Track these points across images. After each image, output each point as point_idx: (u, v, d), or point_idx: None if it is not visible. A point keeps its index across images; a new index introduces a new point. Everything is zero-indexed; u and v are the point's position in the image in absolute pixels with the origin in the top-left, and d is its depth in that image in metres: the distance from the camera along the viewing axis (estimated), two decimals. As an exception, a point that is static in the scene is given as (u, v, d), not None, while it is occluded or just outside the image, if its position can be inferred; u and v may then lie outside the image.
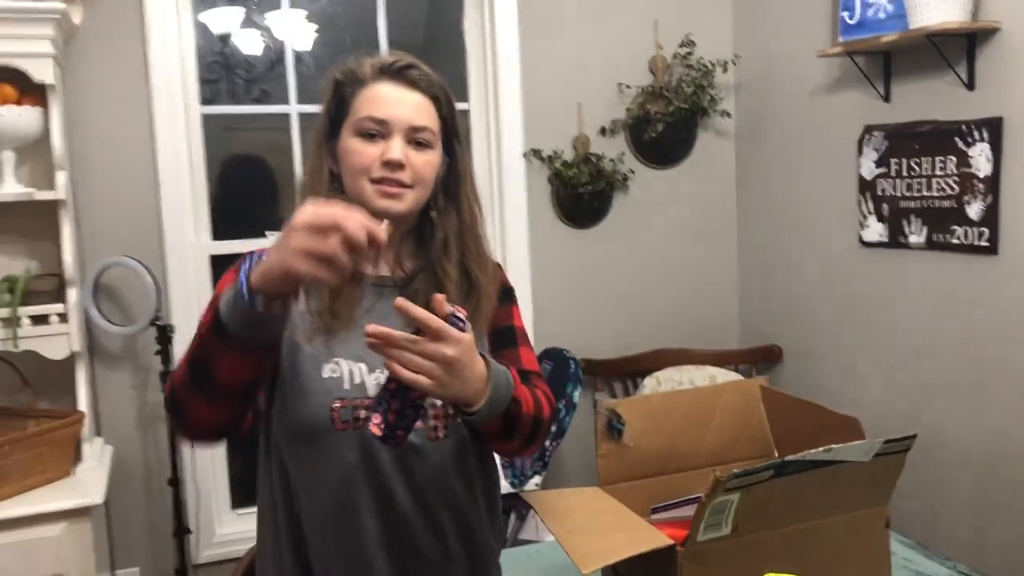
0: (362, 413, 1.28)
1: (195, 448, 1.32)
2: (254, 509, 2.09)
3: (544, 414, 1.39)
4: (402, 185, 1.30)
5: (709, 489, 1.21)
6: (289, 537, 1.35)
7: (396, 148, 1.29)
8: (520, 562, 1.59)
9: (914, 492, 2.61)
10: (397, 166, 1.29)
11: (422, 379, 1.11)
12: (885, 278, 2.73)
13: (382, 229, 1.06)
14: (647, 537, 1.33)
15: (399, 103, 1.32)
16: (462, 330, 1.13)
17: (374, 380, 1.30)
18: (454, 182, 1.39)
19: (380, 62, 1.35)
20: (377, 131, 1.31)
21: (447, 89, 1.38)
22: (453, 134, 1.39)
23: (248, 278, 1.08)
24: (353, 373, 1.30)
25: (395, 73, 1.33)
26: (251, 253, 1.13)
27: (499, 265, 1.52)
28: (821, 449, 1.26)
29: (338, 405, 1.28)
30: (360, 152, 1.30)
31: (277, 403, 1.32)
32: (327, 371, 1.29)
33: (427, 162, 1.33)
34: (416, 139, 1.32)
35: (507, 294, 1.51)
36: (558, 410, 2.84)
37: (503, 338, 1.48)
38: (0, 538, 2.10)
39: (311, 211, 1.04)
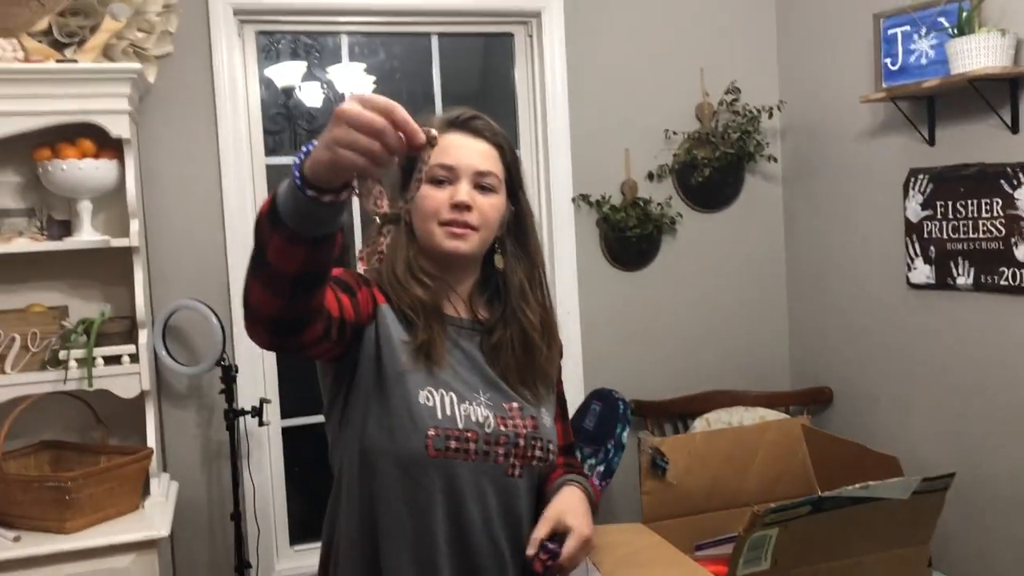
0: (452, 444, 1.34)
1: (259, 345, 1.25)
2: (312, 545, 2.17)
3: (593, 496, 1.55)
4: (468, 226, 1.39)
5: (747, 523, 1.26)
6: (363, 552, 1.39)
7: (463, 191, 1.38)
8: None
9: (963, 534, 2.58)
10: (464, 207, 1.38)
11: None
12: (934, 320, 2.74)
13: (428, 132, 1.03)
14: (689, 572, 1.38)
15: (465, 149, 1.41)
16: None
17: (463, 412, 1.37)
18: (522, 231, 1.48)
19: (447, 116, 1.44)
20: (446, 177, 1.39)
21: (509, 140, 1.48)
22: (517, 184, 1.47)
23: (301, 166, 1.03)
24: (445, 403, 1.36)
25: (461, 124, 1.43)
26: (309, 142, 1.06)
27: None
28: (858, 485, 1.30)
29: (432, 434, 1.34)
30: (430, 197, 1.39)
31: (371, 423, 1.37)
32: (422, 398, 1.35)
33: (492, 205, 1.41)
34: (482, 183, 1.40)
35: (560, 352, 1.60)
36: (599, 459, 2.88)
37: (563, 406, 1.61)
38: (75, 567, 2.20)
39: (356, 106, 1.00)
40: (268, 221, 1.06)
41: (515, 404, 1.43)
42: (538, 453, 1.42)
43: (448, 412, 1.36)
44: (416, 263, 1.42)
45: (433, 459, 1.34)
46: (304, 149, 1.05)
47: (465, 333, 1.45)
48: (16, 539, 2.22)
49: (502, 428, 1.39)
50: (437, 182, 1.39)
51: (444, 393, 1.36)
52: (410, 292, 1.39)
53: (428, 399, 1.35)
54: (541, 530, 1.35)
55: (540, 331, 1.46)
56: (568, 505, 1.39)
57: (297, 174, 1.02)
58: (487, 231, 1.42)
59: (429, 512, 1.36)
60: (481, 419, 1.37)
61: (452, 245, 1.39)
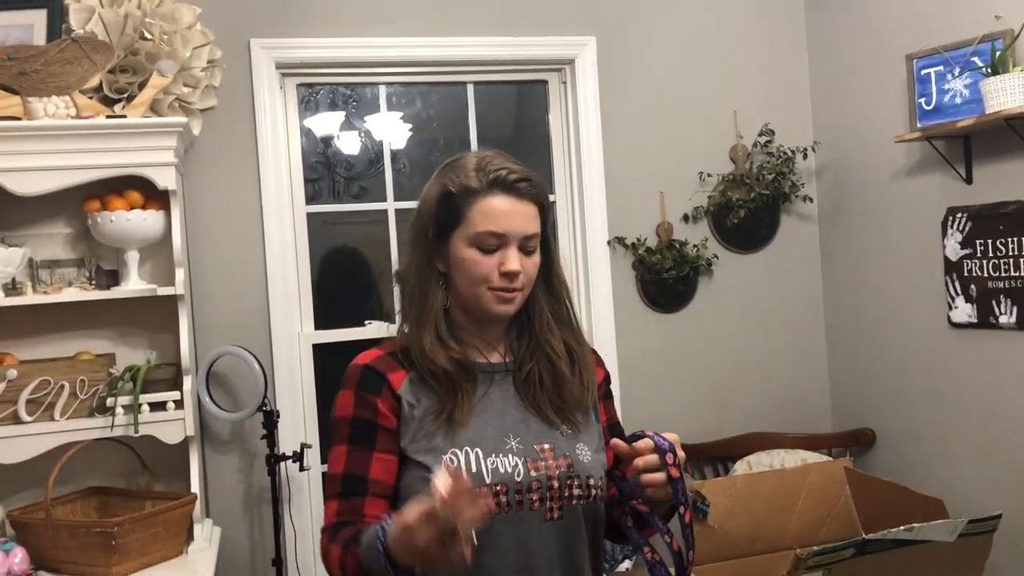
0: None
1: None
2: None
3: None
4: (517, 291, 1.42)
5: (790, 567, 1.25)
6: None
7: (514, 259, 1.40)
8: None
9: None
10: (516, 276, 1.40)
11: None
12: (976, 359, 2.70)
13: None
14: (733, 616, 1.36)
15: (514, 216, 1.41)
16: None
17: (490, 466, 1.37)
18: (548, 269, 1.49)
19: (492, 173, 1.42)
20: (496, 245, 1.40)
21: (545, 190, 1.48)
22: (550, 230, 1.49)
23: (386, 551, 1.23)
24: (470, 461, 1.36)
25: (510, 186, 1.42)
26: (380, 534, 1.24)
27: (597, 353, 1.61)
28: (903, 528, 1.29)
29: None
30: (481, 263, 1.40)
31: (402, 492, 1.39)
32: (444, 463, 1.34)
33: (535, 264, 1.44)
34: (526, 246, 1.43)
35: (608, 382, 1.61)
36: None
37: (616, 434, 1.58)
38: (120, 612, 2.23)
39: (425, 526, 1.16)
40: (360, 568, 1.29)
41: (547, 445, 1.42)
42: (576, 491, 1.41)
43: (474, 470, 1.36)
44: (444, 325, 1.44)
45: None
46: (381, 539, 1.23)
47: (498, 377, 1.47)
48: (64, 584, 2.26)
49: (533, 473, 1.38)
50: (486, 248, 1.40)
51: (469, 451, 1.37)
52: (436, 363, 1.40)
53: (452, 462, 1.35)
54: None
55: (567, 359, 1.47)
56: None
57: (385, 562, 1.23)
58: (529, 287, 1.45)
59: (476, 569, 1.32)
60: (510, 468, 1.37)
61: (503, 310, 1.42)
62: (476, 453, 1.37)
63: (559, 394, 1.46)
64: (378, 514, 1.39)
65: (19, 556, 2.31)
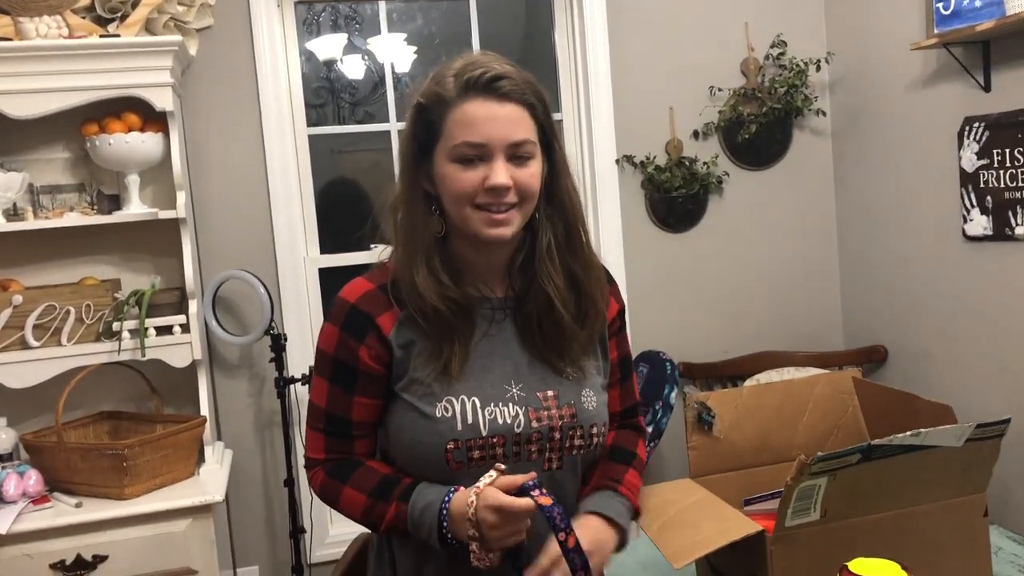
0: (476, 454, 1.27)
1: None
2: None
3: (641, 463, 1.51)
4: (509, 207, 1.25)
5: (794, 472, 1.23)
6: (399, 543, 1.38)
7: (500, 172, 1.23)
8: (617, 556, 1.62)
9: (1023, 488, 2.53)
10: (504, 190, 1.24)
11: None
12: (991, 272, 2.66)
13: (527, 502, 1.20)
14: (736, 526, 1.35)
15: (493, 121, 1.23)
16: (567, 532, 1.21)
17: (487, 416, 1.28)
18: (554, 181, 1.33)
19: (464, 75, 1.25)
20: (476, 155, 1.24)
21: (539, 89, 1.29)
22: (551, 135, 1.31)
23: (443, 540, 1.25)
24: (466, 410, 1.27)
25: (483, 87, 1.24)
26: (443, 510, 1.24)
27: (612, 278, 1.47)
28: (909, 433, 1.26)
29: (451, 447, 1.26)
30: (461, 179, 1.24)
31: (391, 431, 1.33)
32: (439, 410, 1.27)
33: (531, 175, 1.27)
34: (517, 154, 1.25)
35: (622, 315, 1.49)
36: (647, 420, 2.86)
37: (625, 369, 1.51)
38: (134, 532, 2.26)
39: (494, 522, 1.19)
40: (392, 530, 1.30)
41: (551, 392, 1.33)
42: (577, 442, 1.34)
43: (470, 421, 1.27)
44: (437, 258, 1.29)
45: (456, 472, 1.27)
46: (443, 514, 1.24)
47: (498, 314, 1.35)
48: (78, 505, 2.29)
49: (534, 424, 1.29)
50: (466, 161, 1.24)
51: (465, 399, 1.27)
52: (427, 302, 1.27)
53: (447, 410, 1.27)
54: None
55: (566, 297, 1.33)
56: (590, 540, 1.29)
57: (449, 537, 1.24)
58: (529, 204, 1.28)
59: None
60: (509, 419, 1.28)
61: (495, 233, 1.26)
62: (473, 402, 1.28)
63: (560, 337, 1.34)
64: (366, 451, 1.38)
65: (33, 478, 2.35)
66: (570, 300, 1.34)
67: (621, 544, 1.37)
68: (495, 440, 1.28)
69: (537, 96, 1.28)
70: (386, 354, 1.31)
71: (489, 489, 1.20)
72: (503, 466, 1.23)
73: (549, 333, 1.34)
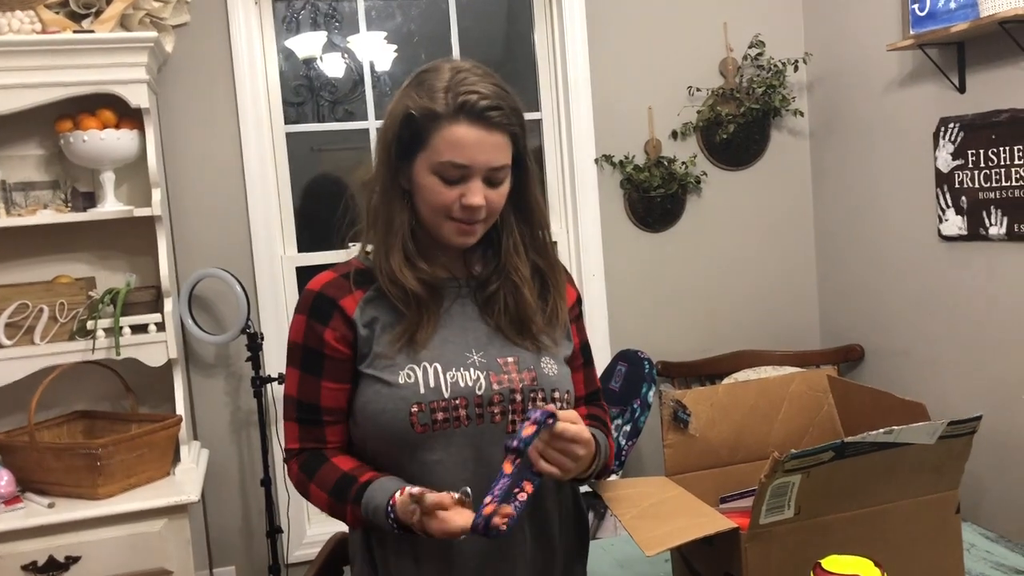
0: (439, 416, 1.32)
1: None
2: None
3: (611, 437, 1.54)
4: (478, 223, 1.35)
5: (768, 469, 1.23)
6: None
7: (476, 194, 1.32)
8: (594, 554, 1.63)
9: (998, 486, 2.55)
10: (478, 209, 1.33)
11: (554, 470, 1.26)
12: (966, 272, 2.68)
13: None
14: (710, 521, 1.35)
15: (480, 147, 1.31)
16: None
17: (449, 380, 1.33)
18: (521, 194, 1.41)
19: (460, 97, 1.30)
20: (459, 177, 1.32)
21: (521, 113, 1.37)
22: (524, 152, 1.39)
23: (397, 525, 1.28)
24: (428, 375, 1.33)
25: (477, 115, 1.30)
26: (389, 506, 1.29)
27: (568, 273, 1.55)
28: (882, 431, 1.27)
29: (416, 410, 1.32)
30: (442, 193, 1.32)
31: (357, 409, 1.38)
32: (402, 377, 1.33)
33: (501, 195, 1.36)
34: (493, 178, 1.34)
35: (579, 304, 1.56)
36: (626, 418, 2.87)
37: (587, 355, 1.57)
38: (108, 532, 2.24)
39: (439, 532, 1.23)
40: (355, 521, 1.36)
41: (511, 358, 1.39)
42: (540, 405, 1.37)
43: (432, 384, 1.33)
44: (412, 245, 1.37)
45: (421, 435, 1.32)
46: (391, 519, 1.29)
47: (460, 292, 1.42)
48: (51, 505, 2.27)
49: (495, 386, 1.36)
50: (448, 179, 1.31)
51: (427, 366, 1.34)
52: (402, 284, 1.35)
53: (409, 376, 1.33)
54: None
55: (531, 283, 1.42)
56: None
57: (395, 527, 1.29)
58: (493, 217, 1.38)
59: (433, 484, 1.32)
60: (471, 382, 1.35)
61: (460, 241, 1.36)
62: (435, 368, 1.34)
63: (523, 317, 1.42)
64: (338, 439, 1.42)
65: (5, 478, 2.32)
66: (535, 283, 1.44)
67: (593, 461, 1.38)
68: (458, 402, 1.33)
69: (520, 123, 1.37)
70: (350, 334, 1.37)
71: (425, 493, 1.24)
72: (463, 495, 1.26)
73: (512, 312, 1.42)
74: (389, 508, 1.29)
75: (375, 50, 3.16)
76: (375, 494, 1.32)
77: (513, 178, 1.39)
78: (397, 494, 1.29)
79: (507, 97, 1.34)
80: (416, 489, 1.25)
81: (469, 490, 1.26)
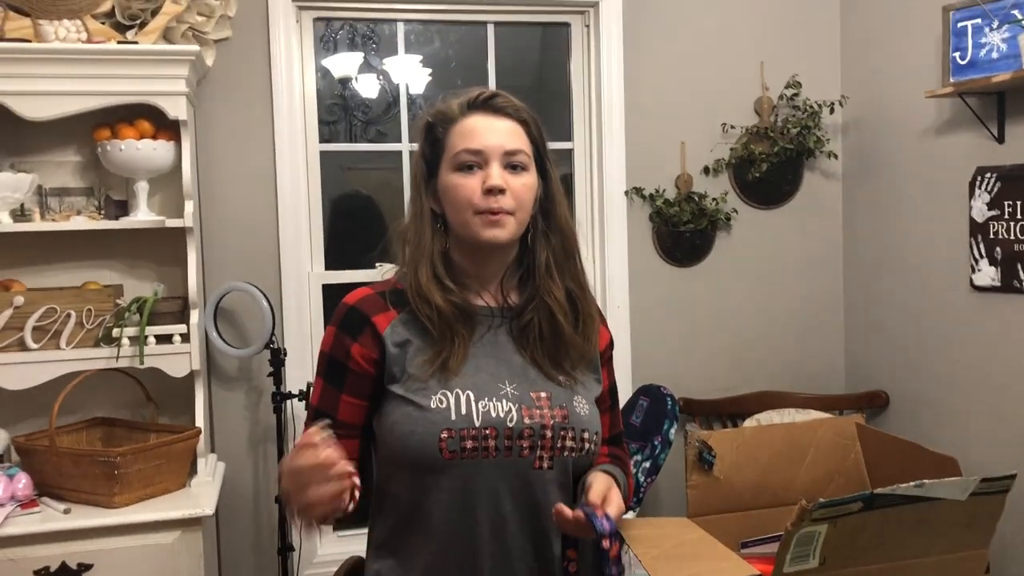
0: (469, 444, 1.32)
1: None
2: (355, 532, 2.12)
3: (631, 479, 1.56)
4: (504, 212, 1.35)
5: (795, 518, 1.22)
6: (403, 544, 1.40)
7: (495, 174, 1.35)
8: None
9: (1027, 547, 2.49)
10: (499, 191, 1.35)
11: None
12: (998, 324, 2.64)
13: (318, 435, 1.19)
14: (733, 567, 1.33)
15: (491, 131, 1.37)
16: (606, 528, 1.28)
17: (481, 409, 1.34)
18: (550, 203, 1.44)
19: (467, 98, 1.41)
20: (475, 162, 1.36)
21: (533, 113, 1.43)
22: (546, 157, 1.43)
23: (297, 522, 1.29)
24: (460, 403, 1.33)
25: (482, 104, 1.40)
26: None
27: (602, 314, 1.55)
28: (913, 484, 1.25)
29: (445, 436, 1.31)
30: (461, 185, 1.36)
31: (385, 429, 1.38)
32: (434, 401, 1.33)
33: (525, 185, 1.39)
34: (512, 163, 1.37)
35: (611, 347, 1.57)
36: (645, 455, 2.84)
37: (614, 397, 1.58)
38: (121, 541, 2.23)
39: (283, 477, 1.24)
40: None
41: (543, 393, 1.39)
42: (569, 443, 1.38)
43: (464, 411, 1.33)
44: (442, 266, 1.39)
45: (448, 461, 1.32)
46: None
47: (495, 322, 1.43)
48: (66, 511, 2.26)
49: (527, 420, 1.35)
50: (467, 168, 1.36)
51: (460, 393, 1.34)
52: (431, 302, 1.36)
53: (441, 402, 1.33)
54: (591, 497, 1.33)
55: (566, 309, 1.43)
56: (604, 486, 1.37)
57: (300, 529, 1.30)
58: (523, 212, 1.39)
59: (454, 512, 1.34)
60: (502, 414, 1.34)
61: (490, 234, 1.36)
62: (468, 395, 1.34)
63: (558, 347, 1.42)
64: (349, 455, 1.38)
65: (23, 481, 2.33)
66: (569, 311, 1.44)
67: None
68: (488, 431, 1.33)
69: (532, 118, 1.42)
70: (378, 352, 1.38)
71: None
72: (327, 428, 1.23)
73: (548, 341, 1.42)
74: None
75: (411, 73, 3.18)
76: None
77: (541, 189, 1.43)
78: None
79: (514, 98, 1.42)
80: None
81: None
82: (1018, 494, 1.33)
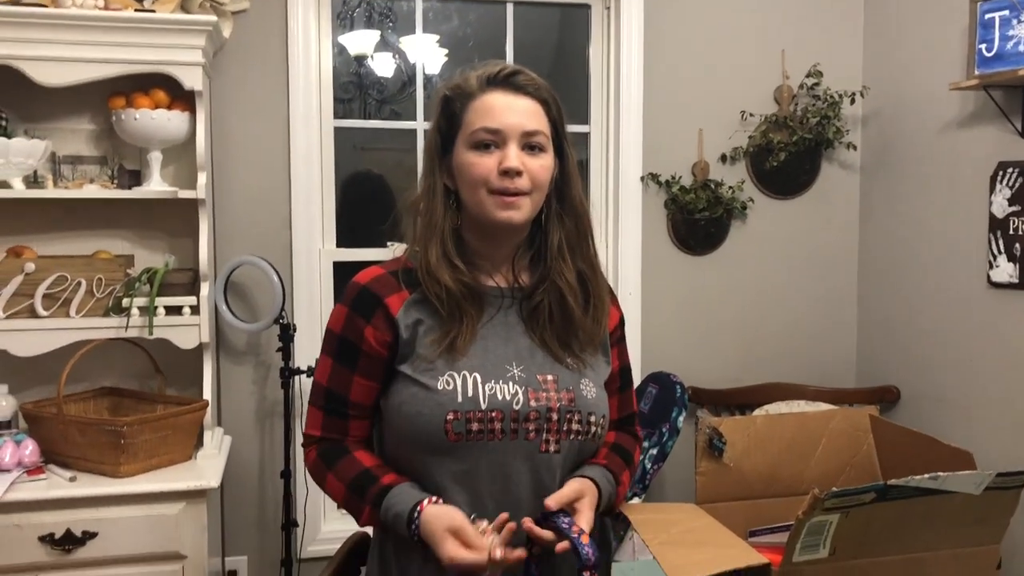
0: (475, 426, 1.32)
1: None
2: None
3: (635, 469, 1.55)
4: (520, 193, 1.34)
5: (807, 507, 1.20)
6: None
7: (513, 156, 1.33)
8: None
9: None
10: (515, 174, 1.32)
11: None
12: (1014, 320, 2.61)
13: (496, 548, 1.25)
14: (741, 554, 1.32)
15: (510, 110, 1.34)
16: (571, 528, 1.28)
17: (487, 391, 1.33)
18: (565, 184, 1.42)
19: (486, 73, 1.37)
20: (492, 141, 1.34)
21: (553, 92, 1.40)
22: (563, 136, 1.41)
23: (417, 536, 1.30)
24: (467, 385, 1.33)
25: (502, 81, 1.36)
26: (415, 514, 1.31)
27: (613, 293, 1.55)
28: (927, 476, 1.23)
29: (451, 418, 1.31)
30: (477, 164, 1.34)
31: (392, 409, 1.37)
32: (441, 383, 1.33)
33: (542, 166, 1.36)
34: (530, 143, 1.35)
35: (622, 326, 1.56)
36: (653, 442, 2.82)
37: (625, 378, 1.57)
38: (126, 511, 2.23)
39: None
40: (372, 522, 1.38)
41: (550, 376, 1.38)
42: (575, 427, 1.37)
43: (470, 394, 1.32)
44: (452, 244, 1.38)
45: (454, 443, 1.32)
46: (413, 531, 1.31)
47: (504, 303, 1.41)
48: (72, 479, 2.27)
49: (533, 403, 1.34)
50: (483, 147, 1.34)
51: (467, 375, 1.33)
52: (440, 281, 1.35)
53: (448, 383, 1.32)
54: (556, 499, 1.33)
55: (576, 292, 1.41)
56: (588, 489, 1.37)
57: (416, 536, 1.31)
58: (539, 194, 1.37)
59: (458, 493, 1.34)
60: (509, 396, 1.34)
61: (505, 216, 1.34)
62: (475, 377, 1.33)
63: (567, 329, 1.41)
64: (360, 433, 1.43)
65: (30, 448, 2.33)
66: (579, 294, 1.42)
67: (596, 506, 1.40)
68: (494, 414, 1.32)
69: (552, 97, 1.40)
70: (390, 335, 1.37)
71: (449, 544, 1.26)
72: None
73: (557, 322, 1.41)
74: (415, 516, 1.29)
75: (427, 52, 3.15)
76: (396, 501, 1.33)
77: (557, 169, 1.40)
78: (425, 502, 1.30)
79: (535, 76, 1.38)
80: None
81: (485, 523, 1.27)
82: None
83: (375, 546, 1.47)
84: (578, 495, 1.34)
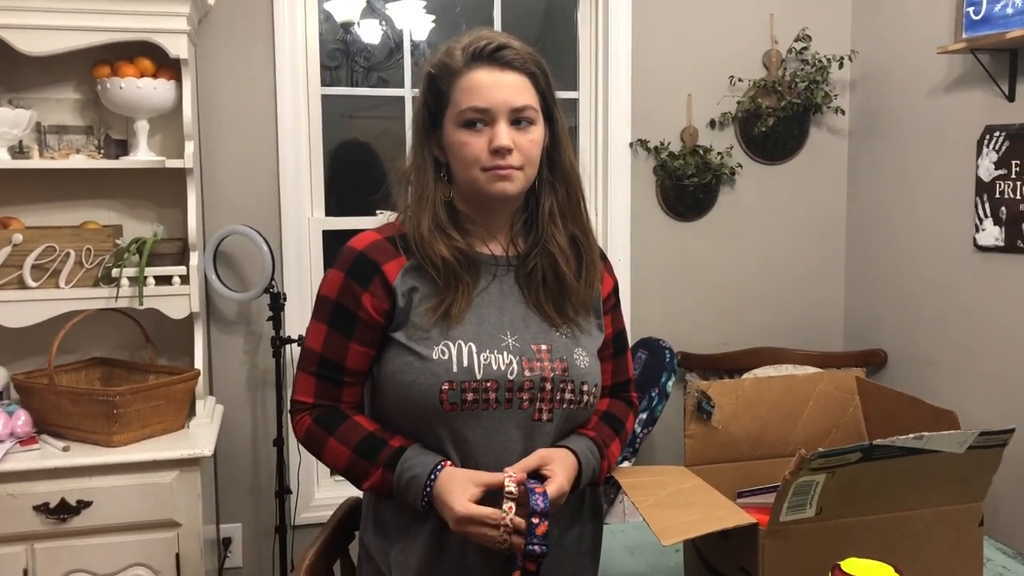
0: (469, 396, 1.32)
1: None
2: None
3: (627, 436, 1.55)
4: (513, 168, 1.34)
5: (793, 467, 1.21)
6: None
7: (502, 134, 1.32)
8: (605, 539, 1.62)
9: (1020, 502, 2.51)
10: (506, 151, 1.32)
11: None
12: (1000, 283, 2.64)
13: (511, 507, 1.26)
14: (729, 514, 1.34)
15: (497, 87, 1.33)
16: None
17: (482, 361, 1.34)
18: (556, 150, 1.42)
19: (471, 47, 1.34)
20: (480, 119, 1.33)
21: (541, 61, 1.38)
22: (552, 104, 1.40)
23: (430, 504, 1.31)
24: (462, 355, 1.33)
25: (488, 57, 1.34)
26: (428, 484, 1.31)
27: (604, 255, 1.55)
28: (911, 436, 1.25)
29: (446, 387, 1.32)
30: (468, 143, 1.33)
31: (385, 376, 1.37)
32: (436, 352, 1.33)
33: (532, 140, 1.36)
34: (519, 119, 1.34)
35: (616, 292, 1.56)
36: (642, 406, 2.85)
37: (620, 344, 1.57)
38: (120, 480, 2.24)
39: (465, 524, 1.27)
40: (378, 491, 1.37)
41: (544, 346, 1.39)
42: (568, 396, 1.38)
43: (465, 364, 1.33)
44: (444, 215, 1.37)
45: (449, 413, 1.32)
46: (427, 492, 1.31)
47: (501, 271, 1.42)
48: (66, 449, 2.28)
49: (527, 373, 1.35)
50: (472, 125, 1.33)
51: (462, 344, 1.33)
52: (434, 250, 1.35)
53: (443, 353, 1.33)
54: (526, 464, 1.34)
55: (569, 256, 1.41)
56: (558, 456, 1.37)
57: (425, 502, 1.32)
58: (531, 167, 1.38)
59: (453, 461, 1.35)
60: (503, 366, 1.34)
61: (499, 188, 1.35)
62: (470, 347, 1.34)
63: (561, 293, 1.42)
64: (354, 400, 1.43)
65: (22, 418, 2.34)
66: (572, 258, 1.43)
67: (578, 477, 1.40)
68: (488, 384, 1.33)
69: (539, 67, 1.37)
70: (388, 303, 1.36)
71: (461, 502, 1.26)
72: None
73: (551, 287, 1.41)
74: (429, 482, 1.30)
75: (414, 18, 3.12)
76: (414, 462, 1.32)
77: (548, 136, 1.40)
78: (439, 468, 1.31)
79: (522, 45, 1.36)
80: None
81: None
82: (1009, 451, 1.33)
83: (367, 511, 1.49)
84: (542, 461, 1.34)
